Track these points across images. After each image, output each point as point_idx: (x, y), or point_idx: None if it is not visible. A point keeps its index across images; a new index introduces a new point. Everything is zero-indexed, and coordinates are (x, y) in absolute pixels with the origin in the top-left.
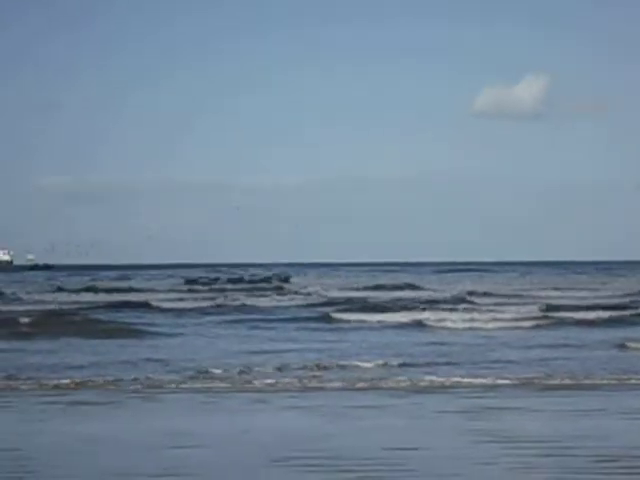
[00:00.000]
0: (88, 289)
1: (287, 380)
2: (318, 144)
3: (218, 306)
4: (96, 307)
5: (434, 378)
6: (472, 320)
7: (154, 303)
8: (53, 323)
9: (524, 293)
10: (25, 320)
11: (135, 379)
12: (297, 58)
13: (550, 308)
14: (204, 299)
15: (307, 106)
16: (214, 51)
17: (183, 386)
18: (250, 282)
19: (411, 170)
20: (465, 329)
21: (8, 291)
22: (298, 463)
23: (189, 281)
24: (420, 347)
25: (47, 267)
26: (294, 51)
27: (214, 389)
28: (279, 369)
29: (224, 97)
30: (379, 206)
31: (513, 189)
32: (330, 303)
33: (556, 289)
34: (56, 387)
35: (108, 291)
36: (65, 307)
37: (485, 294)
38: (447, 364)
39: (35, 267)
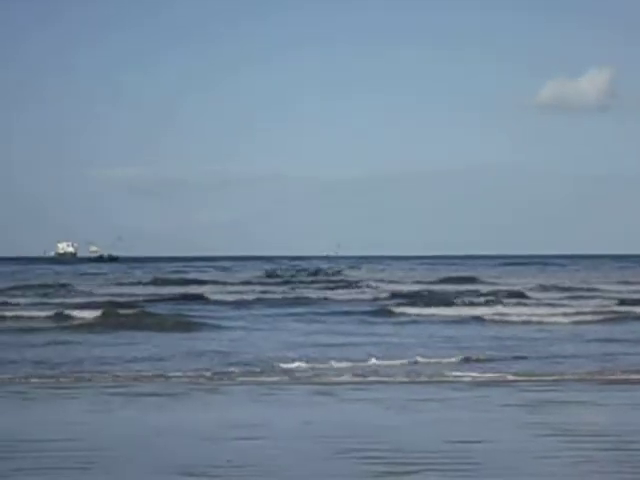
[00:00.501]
0: (150, 281)
1: (349, 373)
2: (374, 139)
3: (280, 298)
4: (158, 300)
5: (496, 372)
6: (535, 314)
7: (216, 296)
8: (114, 316)
9: (589, 286)
10: (86, 313)
11: (197, 371)
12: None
13: (616, 302)
14: (267, 292)
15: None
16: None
17: (245, 378)
18: (312, 274)
19: (474, 162)
20: (528, 323)
21: (71, 283)
22: (360, 455)
23: (269, 274)
24: (482, 341)
25: (112, 259)
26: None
27: (276, 381)
28: (341, 362)
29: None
30: (439, 198)
31: (575, 181)
32: (391, 296)
33: (622, 282)
34: (119, 379)
35: (170, 283)
36: (127, 299)
37: (548, 288)
38: (510, 358)
39: (100, 259)
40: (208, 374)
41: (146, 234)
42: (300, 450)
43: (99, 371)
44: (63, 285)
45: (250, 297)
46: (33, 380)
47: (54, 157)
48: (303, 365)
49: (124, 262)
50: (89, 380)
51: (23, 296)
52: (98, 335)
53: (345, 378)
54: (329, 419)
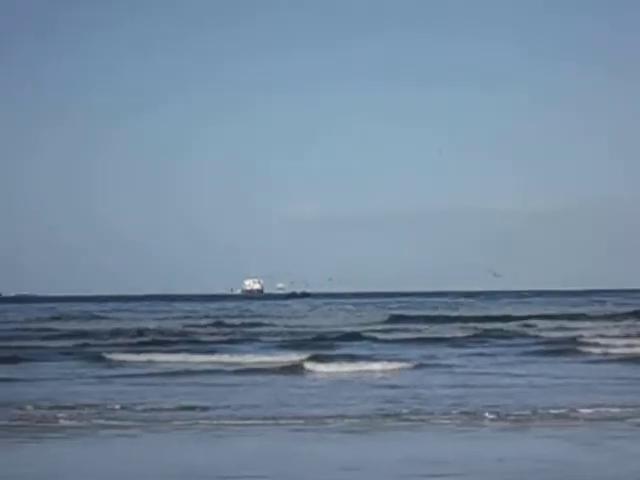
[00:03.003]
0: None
1: (538, 410)
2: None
3: (457, 338)
4: (333, 338)
5: None
6: None
7: (380, 335)
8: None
9: None
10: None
11: (383, 409)
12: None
13: None
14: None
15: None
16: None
17: (436, 420)
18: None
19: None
20: None
21: (263, 321)
22: None
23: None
24: None
25: (305, 295)
26: None
27: (466, 420)
28: (526, 400)
29: None
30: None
31: None
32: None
33: None
34: (304, 418)
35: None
36: (307, 337)
37: None
38: None
39: (292, 295)
40: (392, 412)
41: (338, 270)
42: None
43: (280, 413)
44: (257, 324)
45: (459, 335)
46: (221, 419)
47: (234, 195)
48: (489, 402)
49: (317, 298)
50: (273, 419)
51: (232, 334)
52: (282, 376)
53: (534, 415)
54: (522, 456)
